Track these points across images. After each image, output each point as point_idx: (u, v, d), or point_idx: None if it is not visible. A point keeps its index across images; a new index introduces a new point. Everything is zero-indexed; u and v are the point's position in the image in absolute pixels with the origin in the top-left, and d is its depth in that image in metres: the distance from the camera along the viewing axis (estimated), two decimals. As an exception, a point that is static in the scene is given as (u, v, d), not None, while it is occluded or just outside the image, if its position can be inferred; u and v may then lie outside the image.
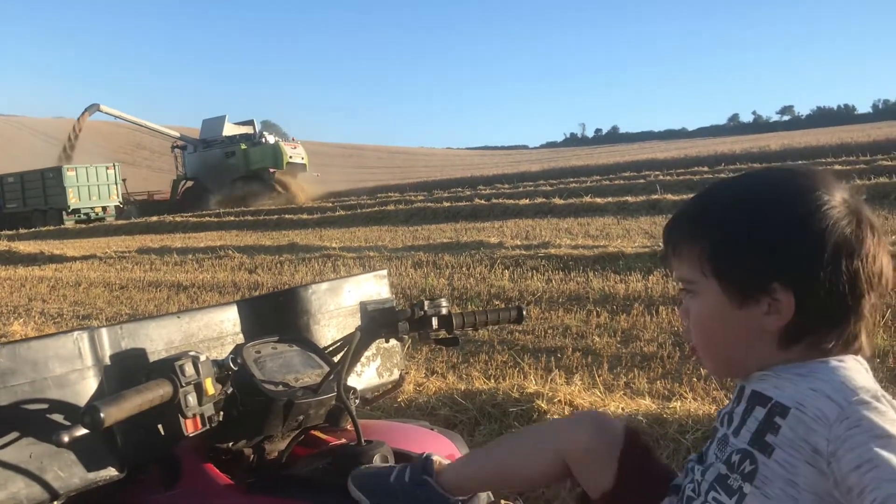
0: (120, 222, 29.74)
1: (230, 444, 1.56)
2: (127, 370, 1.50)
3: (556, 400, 3.82)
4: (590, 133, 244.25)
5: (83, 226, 31.25)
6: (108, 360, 1.50)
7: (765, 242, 1.06)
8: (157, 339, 1.61)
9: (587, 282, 7.98)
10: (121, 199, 37.85)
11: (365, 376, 1.97)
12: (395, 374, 2.06)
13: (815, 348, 1.08)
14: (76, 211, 35.73)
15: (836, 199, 1.06)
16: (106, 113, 46.72)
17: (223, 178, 39.00)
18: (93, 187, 36.67)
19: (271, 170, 39.20)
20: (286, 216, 24.02)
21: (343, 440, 1.66)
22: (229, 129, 41.82)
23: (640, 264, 8.45)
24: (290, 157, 39.50)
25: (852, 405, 0.96)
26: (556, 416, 3.63)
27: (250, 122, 43.14)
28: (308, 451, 1.63)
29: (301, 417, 1.56)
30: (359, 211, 23.07)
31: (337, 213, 23.06)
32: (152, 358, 1.56)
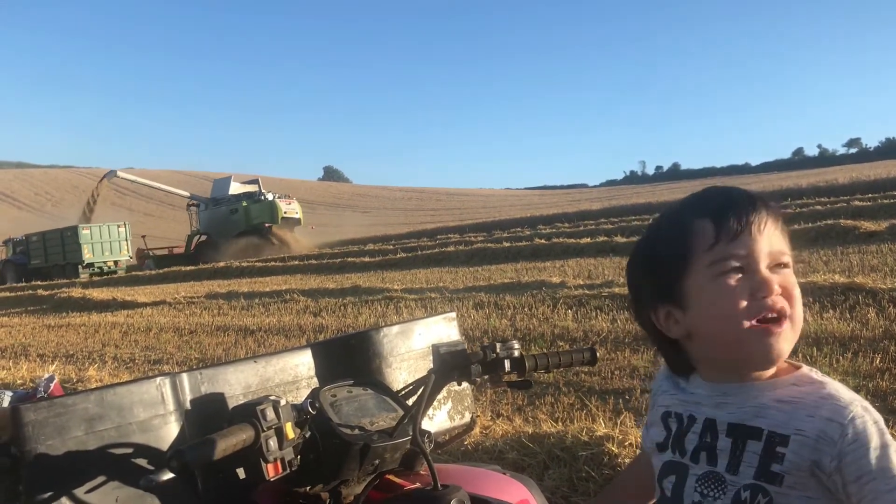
0: (189, 268, 30.82)
1: (307, 488, 1.57)
2: (207, 414, 1.52)
3: (626, 443, 3.73)
4: (650, 170, 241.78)
5: (155, 272, 32.37)
6: (188, 405, 1.52)
7: None
8: (236, 383, 1.63)
9: (653, 321, 7.81)
10: (130, 254, 40.86)
11: (437, 419, 1.96)
12: (467, 417, 2.04)
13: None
14: (90, 265, 38.57)
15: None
16: (123, 178, 51.49)
17: (228, 232, 42.40)
18: (105, 243, 39.67)
19: (267, 224, 42.23)
20: (349, 259, 24.30)
21: (418, 484, 1.65)
22: (235, 188, 45.29)
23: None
24: (285, 212, 42.48)
25: (851, 422, 1.07)
26: (627, 461, 3.55)
27: (255, 181, 46.51)
28: (383, 496, 1.62)
29: (377, 461, 1.55)
30: (419, 253, 23.17)
31: (398, 256, 23.23)
32: (231, 402, 1.57)
